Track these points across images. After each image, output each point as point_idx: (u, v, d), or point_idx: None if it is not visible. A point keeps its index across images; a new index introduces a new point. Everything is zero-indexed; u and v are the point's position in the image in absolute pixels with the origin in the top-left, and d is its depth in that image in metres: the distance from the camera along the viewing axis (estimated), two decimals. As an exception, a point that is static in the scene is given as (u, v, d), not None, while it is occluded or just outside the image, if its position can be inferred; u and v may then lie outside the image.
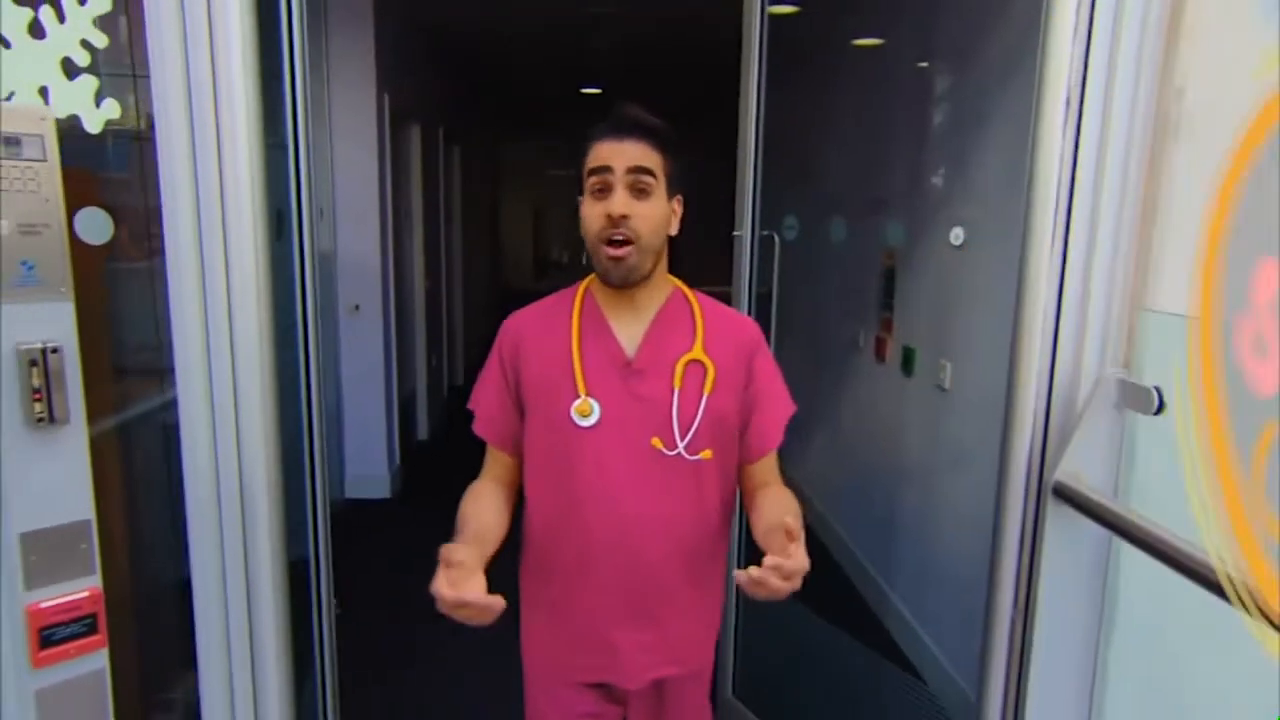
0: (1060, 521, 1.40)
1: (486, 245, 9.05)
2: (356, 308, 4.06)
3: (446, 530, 1.19)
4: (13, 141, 0.97)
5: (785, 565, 1.05)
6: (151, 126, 1.25)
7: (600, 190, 1.22)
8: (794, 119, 4.06)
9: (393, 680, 2.54)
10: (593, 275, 1.32)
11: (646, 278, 1.27)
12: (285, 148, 1.53)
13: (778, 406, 1.38)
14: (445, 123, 5.74)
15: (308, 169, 1.55)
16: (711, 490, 1.33)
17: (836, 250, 3.48)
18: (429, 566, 1.03)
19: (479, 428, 1.37)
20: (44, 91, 1.22)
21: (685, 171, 1.29)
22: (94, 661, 1.10)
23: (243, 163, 1.28)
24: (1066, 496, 1.36)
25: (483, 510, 1.28)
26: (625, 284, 1.25)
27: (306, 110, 1.53)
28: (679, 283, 1.37)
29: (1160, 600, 1.44)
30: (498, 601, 1.04)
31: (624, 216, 1.20)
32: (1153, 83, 1.34)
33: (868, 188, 3.25)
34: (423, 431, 5.22)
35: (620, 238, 1.21)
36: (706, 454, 1.29)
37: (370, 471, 4.21)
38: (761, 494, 1.36)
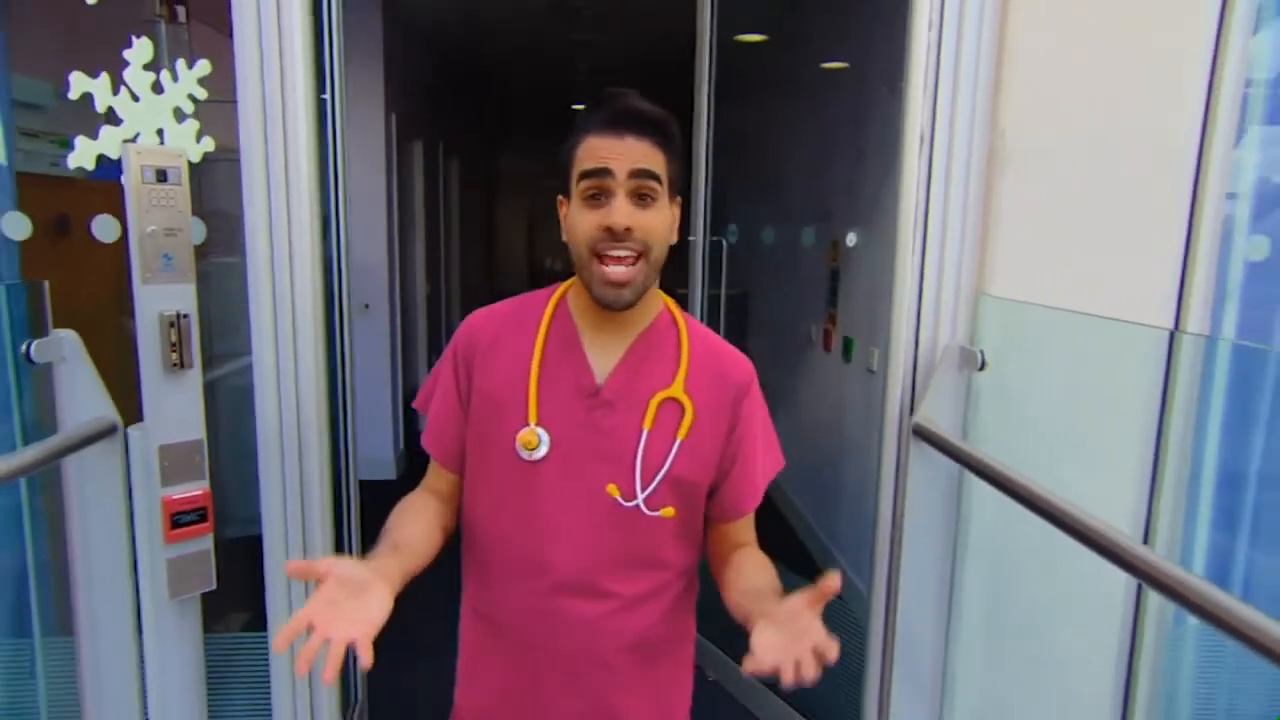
0: (920, 457, 1.85)
1: (482, 252, 9.50)
2: (366, 306, 4.49)
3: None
4: (162, 173, 1.40)
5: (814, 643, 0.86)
6: (237, 154, 1.69)
7: (595, 196, 1.02)
8: (764, 136, 4.54)
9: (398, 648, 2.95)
10: (572, 281, 1.15)
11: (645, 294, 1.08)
12: (327, 169, 1.97)
13: (763, 462, 1.17)
14: (444, 137, 6.19)
15: (344, 186, 1.99)
16: (671, 554, 1.13)
17: (794, 254, 3.94)
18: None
19: (427, 440, 1.19)
20: (160, 132, 1.65)
21: (685, 169, 1.09)
22: (204, 543, 1.53)
23: (303, 180, 1.72)
24: (924, 436, 1.80)
25: (409, 522, 1.11)
26: (627, 308, 1.06)
27: (345, 139, 1.97)
28: (670, 301, 1.17)
29: (996, 514, 1.87)
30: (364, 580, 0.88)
31: (627, 230, 1.01)
32: (984, 125, 1.79)
33: (818, 197, 3.70)
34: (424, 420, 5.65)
35: (624, 252, 1.02)
36: (668, 512, 1.10)
37: (377, 455, 4.63)
38: (739, 554, 1.17)
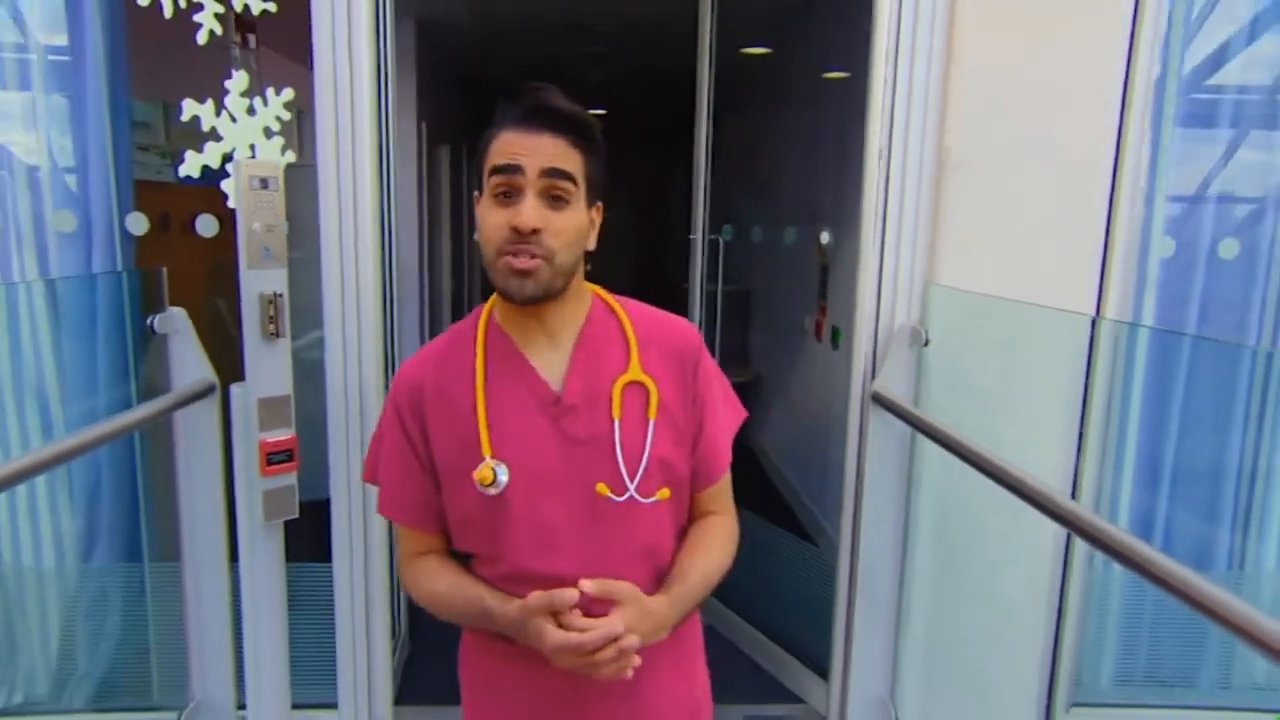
0: (878, 421, 2.19)
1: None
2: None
3: None
4: (265, 181, 1.77)
5: (573, 640, 0.96)
6: (315, 165, 2.06)
7: (505, 194, 1.00)
8: (765, 142, 4.89)
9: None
10: (491, 300, 1.12)
11: (557, 295, 1.05)
12: (382, 178, 2.33)
13: (726, 419, 1.18)
14: (467, 141, 6.57)
15: (394, 193, 2.36)
16: (669, 536, 1.13)
17: (791, 251, 4.28)
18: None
19: (394, 512, 1.14)
20: (252, 148, 2.03)
21: (606, 173, 1.08)
22: (290, 479, 1.90)
23: (367, 188, 2.08)
24: (881, 403, 2.15)
25: (463, 576, 1.12)
26: (530, 301, 1.03)
27: (395, 152, 2.34)
28: (599, 290, 1.15)
29: (943, 470, 2.20)
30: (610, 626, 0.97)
31: (535, 231, 0.99)
32: (933, 141, 2.13)
33: (810, 199, 4.04)
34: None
35: (528, 255, 1.00)
36: (664, 494, 1.09)
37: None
38: (696, 526, 1.18)
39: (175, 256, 2.19)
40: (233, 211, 1.86)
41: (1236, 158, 2.31)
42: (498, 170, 1.00)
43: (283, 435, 1.86)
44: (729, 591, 3.01)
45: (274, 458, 1.84)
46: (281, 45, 2.16)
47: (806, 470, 3.99)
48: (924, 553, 2.27)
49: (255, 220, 1.77)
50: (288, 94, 2.03)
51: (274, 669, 2.03)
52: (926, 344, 2.09)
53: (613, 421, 1.06)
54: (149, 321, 1.88)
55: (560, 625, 0.98)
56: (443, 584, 1.11)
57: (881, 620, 2.28)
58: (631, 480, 1.06)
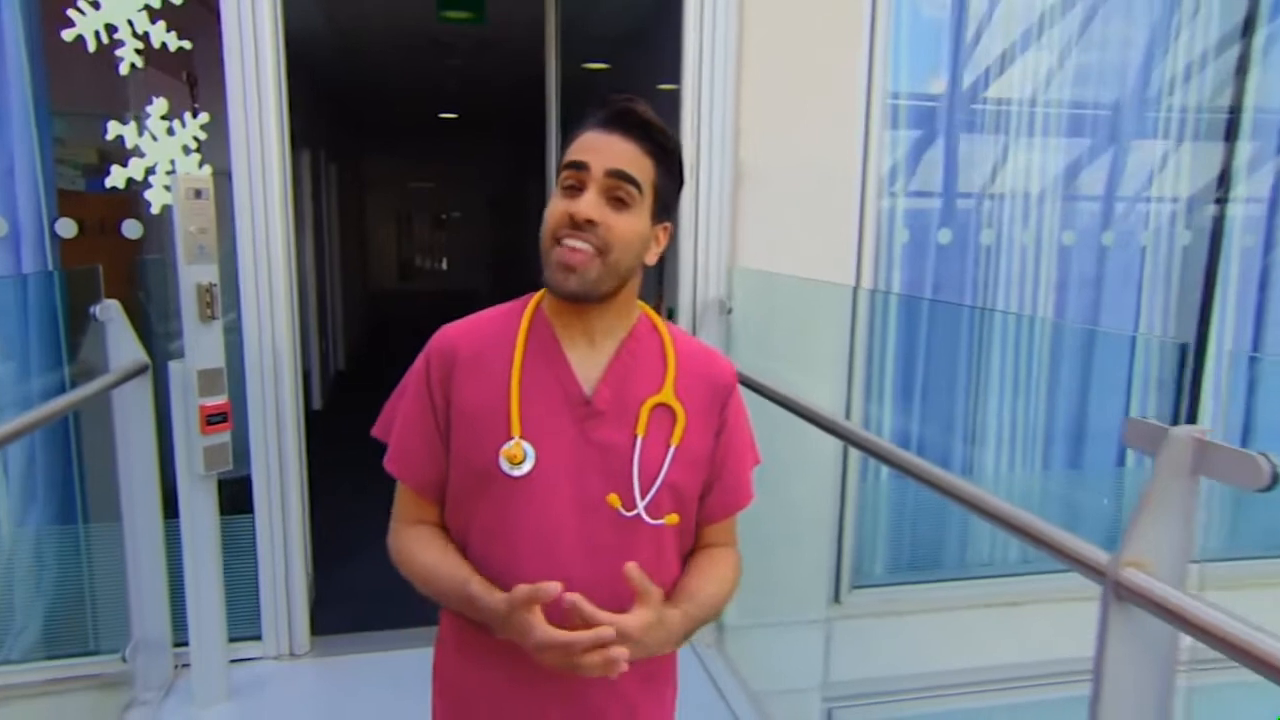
0: (700, 371, 2.81)
1: (356, 251, 10.04)
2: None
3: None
4: (199, 191, 2.17)
5: (561, 638, 0.93)
6: (229, 176, 2.45)
7: (571, 188, 1.01)
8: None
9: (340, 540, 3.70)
10: (543, 291, 1.11)
11: (606, 299, 1.05)
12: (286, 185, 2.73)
13: (747, 461, 1.19)
14: (325, 144, 6.81)
15: (294, 195, 2.76)
16: (672, 562, 1.13)
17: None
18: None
19: (400, 470, 1.12)
20: (172, 162, 2.39)
21: (676, 196, 1.09)
22: (225, 437, 2.30)
23: (275, 193, 2.49)
24: (701, 358, 2.77)
25: (452, 553, 1.09)
26: (577, 299, 1.03)
27: (290, 162, 2.75)
28: (649, 309, 1.15)
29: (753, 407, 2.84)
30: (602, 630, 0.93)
31: (590, 221, 0.99)
32: (730, 155, 2.77)
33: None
34: (316, 402, 6.28)
35: (580, 243, 0.99)
36: (673, 519, 1.08)
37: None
38: (704, 554, 1.17)
39: (94, 257, 2.51)
40: (150, 218, 2.24)
41: (970, 159, 3.09)
42: (567, 165, 1.02)
43: (219, 400, 2.26)
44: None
45: (213, 419, 2.24)
46: (200, 73, 2.53)
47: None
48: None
49: (191, 224, 2.17)
50: (204, 117, 2.42)
51: (211, 605, 2.41)
52: (730, 312, 2.74)
53: (635, 437, 1.06)
54: (91, 311, 2.22)
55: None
56: (430, 558, 1.08)
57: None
58: (643, 498, 1.05)
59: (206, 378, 2.23)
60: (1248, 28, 3.07)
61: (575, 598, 0.95)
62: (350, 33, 5.05)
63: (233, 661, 2.55)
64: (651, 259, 1.08)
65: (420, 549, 1.11)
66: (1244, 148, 3.10)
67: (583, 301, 1.05)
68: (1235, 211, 3.14)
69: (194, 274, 2.18)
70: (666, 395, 1.09)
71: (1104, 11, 3.06)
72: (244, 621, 2.64)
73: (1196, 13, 3.08)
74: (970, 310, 3.15)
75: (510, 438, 1.04)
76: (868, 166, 2.82)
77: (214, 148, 2.47)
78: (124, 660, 2.44)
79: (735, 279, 2.82)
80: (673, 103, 3.36)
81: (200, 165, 2.42)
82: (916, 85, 3.02)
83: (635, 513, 1.06)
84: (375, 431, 1.17)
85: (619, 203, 1.02)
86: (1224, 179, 3.09)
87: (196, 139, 2.41)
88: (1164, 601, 0.99)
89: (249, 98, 2.41)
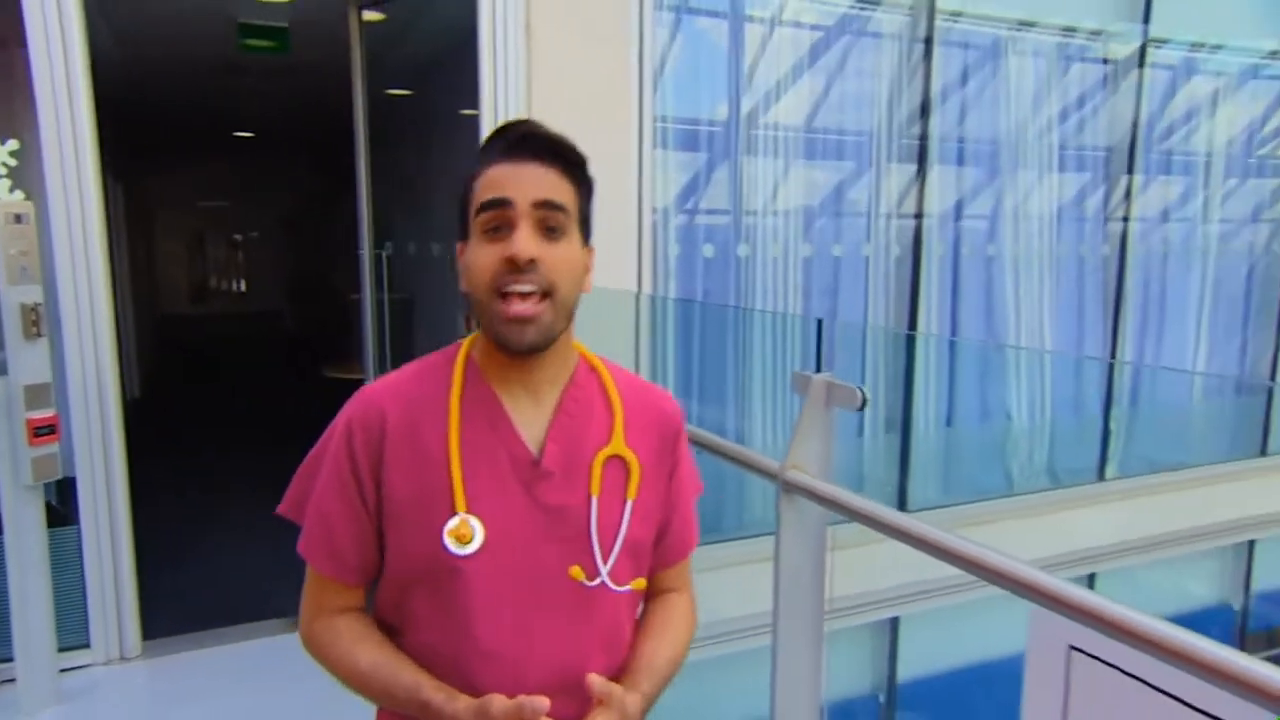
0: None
1: (145, 272, 9.54)
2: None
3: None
4: (19, 216, 2.30)
5: None
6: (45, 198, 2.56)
7: (496, 229, 0.93)
8: (417, 168, 5.76)
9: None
10: (472, 338, 1.03)
11: (554, 342, 0.97)
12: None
13: (693, 497, 1.13)
14: (109, 163, 6.55)
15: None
16: (627, 623, 1.05)
17: (441, 262, 5.22)
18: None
19: (323, 562, 1.00)
20: (-17, 188, 2.48)
21: (591, 212, 1.03)
22: (54, 448, 2.43)
23: (94, 212, 2.62)
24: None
25: (391, 651, 0.99)
26: (532, 350, 0.95)
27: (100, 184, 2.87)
28: (582, 348, 1.07)
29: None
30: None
31: (532, 261, 0.91)
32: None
33: (453, 216, 5.01)
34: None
35: (528, 288, 0.91)
36: (639, 584, 1.03)
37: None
38: (656, 604, 1.11)
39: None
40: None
41: (736, 180, 3.69)
42: (486, 206, 0.93)
43: (46, 413, 2.39)
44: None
45: (40, 430, 2.37)
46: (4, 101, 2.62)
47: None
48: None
49: (12, 247, 2.30)
50: (13, 144, 2.52)
51: (39, 616, 2.50)
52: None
53: (590, 497, 0.98)
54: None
55: None
56: (366, 658, 0.97)
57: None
58: (605, 563, 0.98)
59: (33, 392, 2.36)
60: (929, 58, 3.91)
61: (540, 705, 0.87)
62: (141, 54, 5.01)
63: (63, 670, 2.64)
64: (588, 287, 1.01)
65: (354, 648, 0.99)
66: (932, 171, 3.93)
67: (539, 351, 0.96)
68: (931, 225, 3.96)
69: (17, 294, 2.31)
70: (617, 445, 1.01)
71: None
72: (73, 630, 2.73)
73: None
74: (736, 310, 3.77)
75: (454, 514, 0.94)
76: (642, 185, 3.34)
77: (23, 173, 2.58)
78: (-55, 677, 2.48)
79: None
80: (474, 128, 3.74)
81: (11, 190, 2.52)
82: (690, 111, 3.59)
83: (599, 581, 0.98)
84: (283, 509, 1.05)
85: (552, 232, 0.94)
86: (920, 198, 3.90)
87: (6, 164, 2.51)
88: (814, 489, 1.50)
89: (62, 124, 2.55)
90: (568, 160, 0.98)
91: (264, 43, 4.41)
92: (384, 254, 3.93)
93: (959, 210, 4.07)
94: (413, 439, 0.97)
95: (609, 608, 1.00)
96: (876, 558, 2.34)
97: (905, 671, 4.07)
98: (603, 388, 1.04)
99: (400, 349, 6.49)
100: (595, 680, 0.92)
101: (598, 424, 1.02)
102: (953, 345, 4.12)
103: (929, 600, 3.61)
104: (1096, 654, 1.01)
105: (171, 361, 9.75)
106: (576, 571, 0.97)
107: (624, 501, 1.00)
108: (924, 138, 3.89)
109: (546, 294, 0.93)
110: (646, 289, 3.40)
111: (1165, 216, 4.72)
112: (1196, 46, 4.69)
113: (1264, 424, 4.77)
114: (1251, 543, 4.75)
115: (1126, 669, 0.97)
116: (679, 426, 1.10)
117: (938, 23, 3.86)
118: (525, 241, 0.91)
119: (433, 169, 5.54)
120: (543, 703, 0.87)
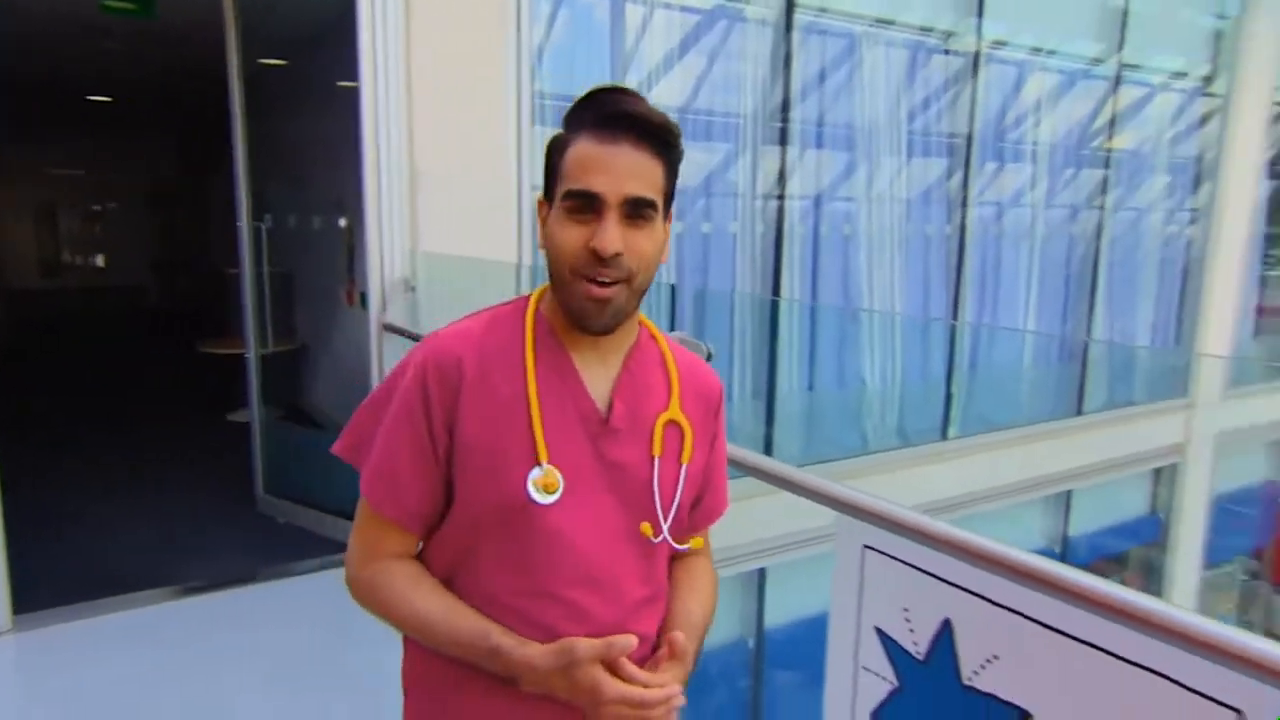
0: (390, 344, 3.29)
1: (-11, 245, 8.88)
2: None
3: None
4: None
5: (636, 695, 0.91)
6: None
7: (579, 212, 0.94)
8: (295, 140, 5.65)
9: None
10: (540, 291, 1.06)
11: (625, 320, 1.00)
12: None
13: (724, 465, 1.18)
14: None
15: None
16: (665, 577, 1.10)
17: (320, 236, 5.18)
18: None
19: (390, 504, 1.00)
20: None
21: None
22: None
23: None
24: (390, 329, 3.25)
25: (455, 599, 1.00)
26: (606, 331, 0.98)
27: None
28: (644, 318, 1.09)
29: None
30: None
31: (617, 255, 0.93)
32: (406, 161, 3.27)
33: (333, 192, 4.99)
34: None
35: (608, 278, 0.94)
36: (697, 543, 1.09)
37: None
38: (682, 566, 1.13)
39: None
40: None
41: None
42: (573, 195, 0.94)
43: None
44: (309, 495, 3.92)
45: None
46: None
47: (348, 401, 4.95)
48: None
49: None
50: None
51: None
52: (413, 289, 3.26)
53: (652, 458, 1.02)
54: None
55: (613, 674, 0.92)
56: (427, 603, 0.99)
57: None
58: (665, 519, 1.02)
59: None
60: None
61: (628, 664, 0.93)
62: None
63: (-73, 648, 2.59)
64: (665, 257, 1.02)
65: (412, 593, 1.00)
66: (793, 154, 4.24)
67: (612, 331, 0.99)
68: (792, 206, 4.28)
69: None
70: (674, 411, 1.05)
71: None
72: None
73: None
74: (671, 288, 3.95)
75: (536, 464, 0.97)
76: (521, 160, 3.48)
77: None
78: None
79: (418, 261, 3.34)
80: (354, 100, 3.76)
81: None
82: (572, 89, 3.73)
83: (661, 538, 1.02)
84: (339, 449, 1.06)
85: (638, 221, 0.95)
86: (782, 179, 4.20)
87: None
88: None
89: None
90: (660, 140, 0.96)
91: (126, 4, 4.25)
92: (263, 227, 3.91)
93: (819, 193, 4.40)
94: (488, 387, 0.99)
95: (661, 564, 1.06)
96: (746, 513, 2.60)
97: (772, 618, 4.43)
98: (662, 356, 1.09)
99: (281, 323, 6.37)
100: (678, 637, 0.99)
101: (658, 389, 1.06)
102: (812, 311, 4.46)
103: (792, 551, 3.95)
104: (885, 550, 1.27)
105: (24, 338, 9.17)
106: (647, 528, 1.01)
107: (679, 465, 1.05)
108: (785, 122, 4.18)
109: (628, 280, 0.96)
110: (527, 261, 3.54)
111: (1001, 203, 5.24)
112: (1035, 51, 5.20)
113: (1079, 388, 5.39)
114: (1069, 493, 5.37)
115: (909, 560, 1.23)
116: (720, 399, 1.14)
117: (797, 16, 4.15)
118: (611, 236, 0.93)
119: (312, 140, 5.45)
120: (630, 640, 0.91)
